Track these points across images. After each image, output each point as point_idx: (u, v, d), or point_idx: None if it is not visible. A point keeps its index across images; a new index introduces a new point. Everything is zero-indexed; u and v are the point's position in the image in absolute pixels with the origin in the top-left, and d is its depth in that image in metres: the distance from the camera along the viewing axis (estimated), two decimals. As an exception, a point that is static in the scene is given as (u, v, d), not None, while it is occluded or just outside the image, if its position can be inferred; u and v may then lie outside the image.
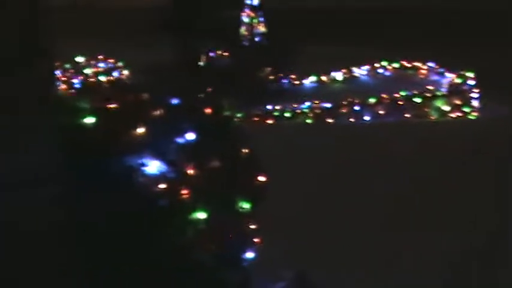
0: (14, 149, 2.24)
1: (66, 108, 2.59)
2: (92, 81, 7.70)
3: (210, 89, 3.18)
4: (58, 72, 7.58)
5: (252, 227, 2.82)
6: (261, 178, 2.93)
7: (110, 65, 8.58)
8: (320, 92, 7.87)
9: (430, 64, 8.32)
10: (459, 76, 7.84)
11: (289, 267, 3.02)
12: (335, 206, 4.46)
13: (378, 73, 8.36)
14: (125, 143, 2.60)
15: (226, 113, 2.96)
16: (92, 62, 8.43)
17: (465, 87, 7.65)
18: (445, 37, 8.91)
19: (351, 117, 7.29)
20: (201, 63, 7.91)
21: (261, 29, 8.63)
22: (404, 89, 7.57)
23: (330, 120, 7.28)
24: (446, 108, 7.48)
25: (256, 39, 8.65)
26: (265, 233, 2.89)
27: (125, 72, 8.44)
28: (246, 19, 8.67)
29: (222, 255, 2.49)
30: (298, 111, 7.29)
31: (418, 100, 7.47)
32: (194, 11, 7.83)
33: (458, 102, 7.54)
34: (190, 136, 2.68)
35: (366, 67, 8.35)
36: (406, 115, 7.35)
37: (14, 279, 2.26)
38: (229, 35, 8.49)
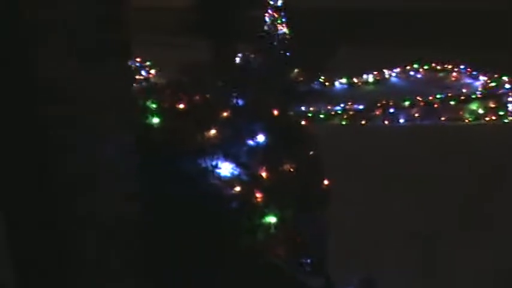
0: (91, 147, 2.20)
1: (140, 107, 2.56)
2: (156, 81, 7.71)
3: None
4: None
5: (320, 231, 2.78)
6: (326, 181, 2.88)
7: (136, 64, 8.59)
8: (352, 94, 7.82)
9: (462, 67, 8.24)
10: (493, 79, 7.75)
11: (355, 272, 2.98)
12: (390, 208, 4.41)
13: (410, 75, 8.29)
14: (196, 145, 2.57)
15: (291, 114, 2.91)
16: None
17: (500, 91, 7.56)
18: (477, 38, 8.81)
19: (386, 120, 7.22)
20: (238, 65, 7.87)
21: (284, 29, 8.59)
22: (439, 92, 7.49)
23: (363, 122, 7.21)
24: (481, 111, 7.38)
25: (283, 40, 8.61)
26: (331, 236, 2.85)
27: (152, 71, 8.44)
28: (268, 19, 8.64)
29: (297, 260, 2.45)
30: (333, 112, 7.24)
31: (452, 103, 7.38)
32: (222, 11, 7.82)
33: (493, 105, 7.44)
34: (261, 138, 2.64)
35: (397, 69, 8.29)
36: (441, 118, 7.26)
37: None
38: (259, 36, 8.47)
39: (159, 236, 2.41)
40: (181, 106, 2.67)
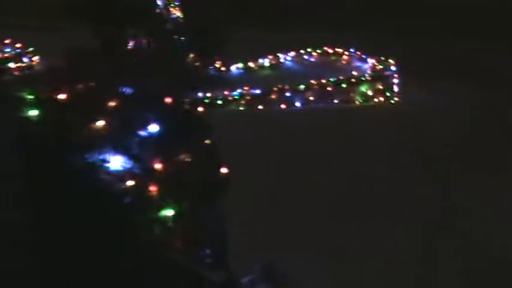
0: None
1: (11, 99, 2.30)
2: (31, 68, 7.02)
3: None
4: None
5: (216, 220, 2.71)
6: (223, 170, 2.81)
7: (17, 51, 7.90)
8: (249, 78, 7.82)
9: (352, 50, 8.56)
10: (381, 62, 8.14)
11: (256, 258, 2.95)
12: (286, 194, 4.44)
13: (304, 59, 8.46)
14: (82, 138, 2.37)
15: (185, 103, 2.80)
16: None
17: (387, 73, 7.96)
18: (367, 23, 9.19)
19: (282, 104, 7.32)
20: (126, 50, 7.53)
21: (177, 13, 8.37)
22: (331, 75, 7.73)
23: (261, 107, 7.26)
24: (371, 93, 7.74)
25: (176, 24, 8.36)
26: (231, 225, 2.79)
27: (36, 58, 7.82)
28: (160, 3, 8.35)
29: (197, 253, 2.36)
30: (230, 98, 7.19)
31: (344, 85, 7.66)
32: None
33: (380, 87, 7.83)
34: (154, 128, 2.50)
35: (292, 53, 8.42)
36: (334, 100, 7.51)
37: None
38: (150, 20, 8.13)
39: (52, 237, 2.21)
40: (62, 96, 2.44)
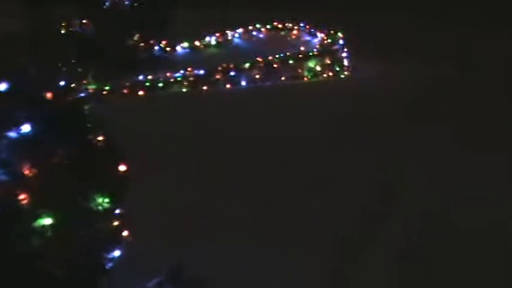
0: None
1: None
2: None
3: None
4: None
5: (116, 223, 2.50)
6: (122, 167, 2.58)
7: None
8: (194, 58, 7.53)
9: (302, 24, 8.32)
10: (330, 36, 7.93)
11: (163, 260, 2.77)
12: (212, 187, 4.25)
13: (252, 35, 8.19)
14: None
15: (75, 95, 2.54)
16: None
17: (336, 47, 7.76)
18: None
19: (227, 83, 7.07)
20: (61, 33, 7.16)
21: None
22: (279, 51, 7.49)
23: (205, 88, 6.99)
24: (319, 68, 7.54)
25: (120, 3, 7.95)
26: (133, 227, 2.59)
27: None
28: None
29: (76, 264, 2.15)
30: (172, 80, 6.91)
31: (291, 62, 7.44)
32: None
33: (328, 61, 7.63)
34: (26, 128, 2.24)
35: (240, 30, 8.14)
36: (281, 78, 7.29)
37: None
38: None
39: None
40: None
